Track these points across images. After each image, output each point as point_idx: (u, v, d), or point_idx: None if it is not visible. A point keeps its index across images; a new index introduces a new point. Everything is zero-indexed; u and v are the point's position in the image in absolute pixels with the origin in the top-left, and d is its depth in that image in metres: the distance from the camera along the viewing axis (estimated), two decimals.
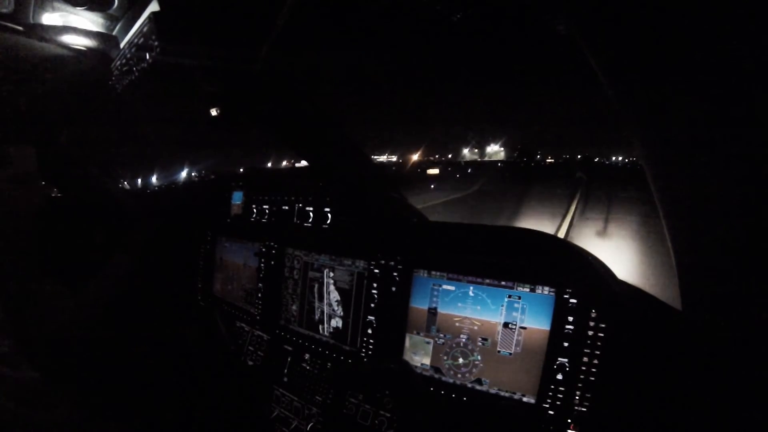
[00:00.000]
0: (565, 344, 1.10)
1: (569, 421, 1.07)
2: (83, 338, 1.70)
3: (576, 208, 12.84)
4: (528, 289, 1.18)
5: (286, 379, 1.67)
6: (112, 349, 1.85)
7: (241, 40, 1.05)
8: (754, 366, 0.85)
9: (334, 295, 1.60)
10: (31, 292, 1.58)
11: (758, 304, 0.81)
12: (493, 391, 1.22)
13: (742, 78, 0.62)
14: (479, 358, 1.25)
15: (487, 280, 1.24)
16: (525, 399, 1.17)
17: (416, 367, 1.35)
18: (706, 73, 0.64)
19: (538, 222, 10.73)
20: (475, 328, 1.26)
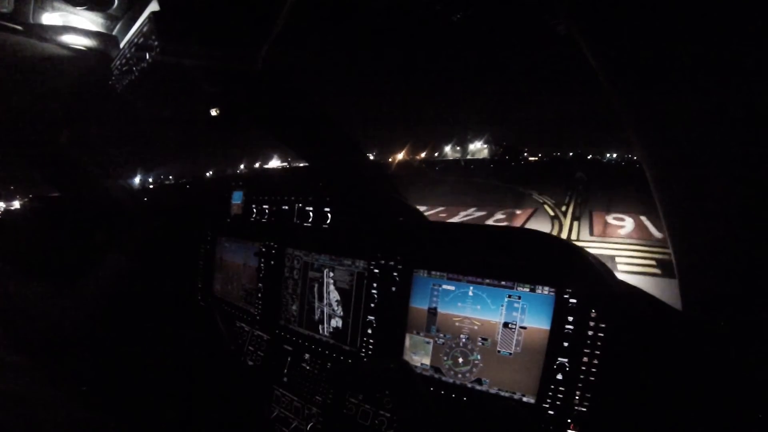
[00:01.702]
0: (565, 344, 1.10)
1: (569, 421, 1.07)
2: (83, 338, 1.70)
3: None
4: (528, 289, 1.18)
5: (286, 379, 1.67)
6: (112, 349, 1.85)
7: (241, 40, 1.05)
8: (754, 366, 0.85)
9: (334, 295, 1.60)
10: (30, 292, 1.58)
11: (758, 304, 0.81)
12: (493, 391, 1.22)
13: (742, 78, 0.62)
14: (479, 358, 1.25)
15: (487, 280, 1.24)
16: (525, 399, 1.17)
17: (416, 367, 1.35)
18: (706, 72, 0.64)
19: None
20: (475, 327, 1.26)
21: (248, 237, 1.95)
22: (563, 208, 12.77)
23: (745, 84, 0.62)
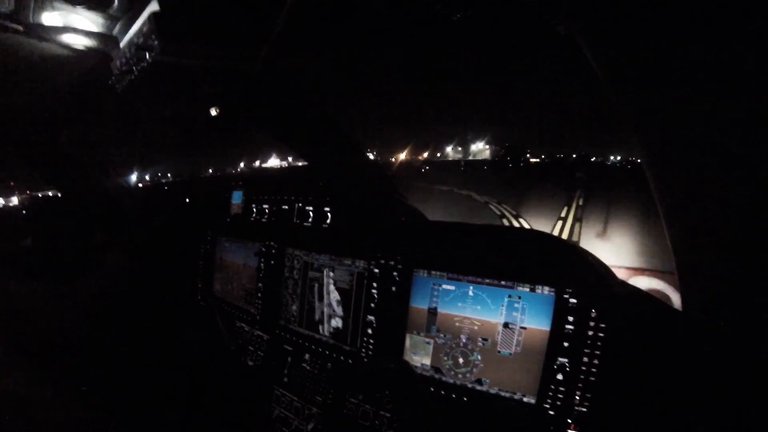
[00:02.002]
0: (565, 344, 1.10)
1: (569, 421, 1.07)
2: (83, 338, 1.70)
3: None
4: (528, 289, 1.18)
5: (286, 379, 1.67)
6: (111, 349, 1.85)
7: (241, 40, 1.05)
8: (754, 366, 0.85)
9: (334, 295, 1.60)
10: (30, 292, 1.58)
11: (758, 304, 0.81)
12: (493, 391, 1.22)
13: (742, 78, 0.62)
14: (479, 358, 1.25)
15: (487, 280, 1.24)
16: (525, 399, 1.17)
17: (416, 367, 1.35)
18: (706, 73, 0.64)
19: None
20: (476, 328, 1.26)
21: (248, 237, 1.95)
22: None
23: (745, 84, 0.62)
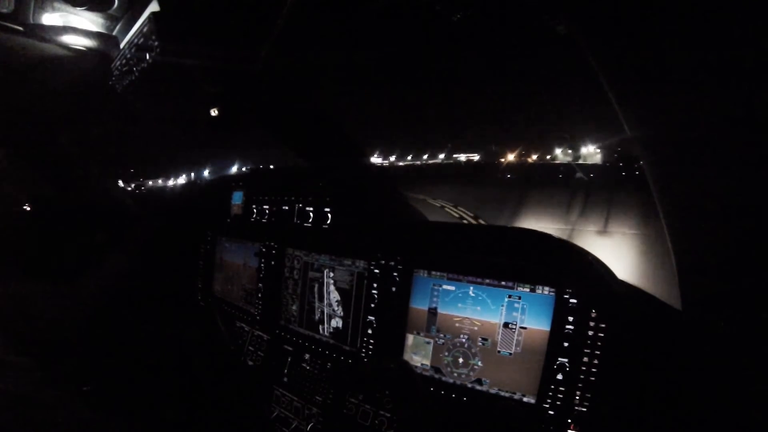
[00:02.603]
0: (565, 344, 1.10)
1: (569, 421, 1.07)
2: (83, 338, 1.70)
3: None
4: (528, 289, 1.18)
5: (286, 379, 1.67)
6: (112, 349, 1.85)
7: (241, 40, 1.05)
8: (754, 366, 0.85)
9: (334, 295, 1.60)
10: (30, 292, 1.58)
11: (758, 304, 0.81)
12: (493, 391, 1.22)
13: (742, 78, 0.62)
14: (479, 358, 1.25)
15: (487, 280, 1.24)
16: (525, 399, 1.17)
17: (416, 367, 1.34)
18: (706, 73, 0.64)
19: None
20: (476, 328, 1.26)
21: (248, 237, 1.95)
22: None
23: (745, 84, 0.62)
